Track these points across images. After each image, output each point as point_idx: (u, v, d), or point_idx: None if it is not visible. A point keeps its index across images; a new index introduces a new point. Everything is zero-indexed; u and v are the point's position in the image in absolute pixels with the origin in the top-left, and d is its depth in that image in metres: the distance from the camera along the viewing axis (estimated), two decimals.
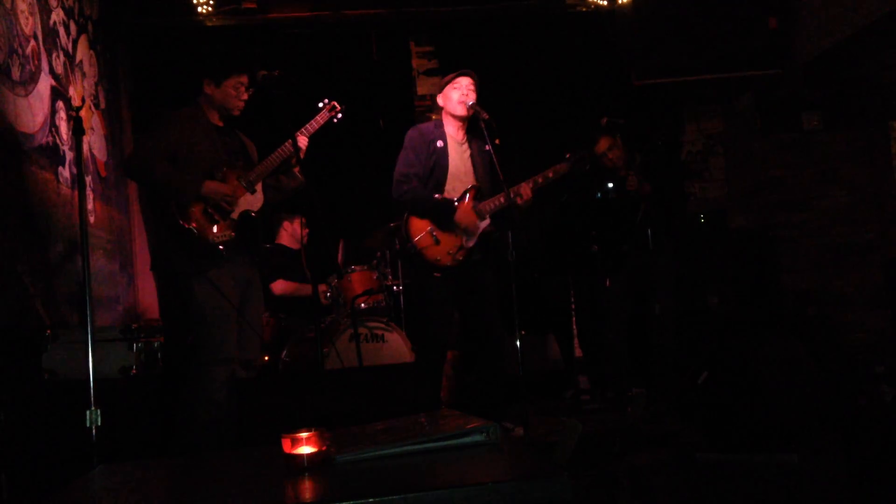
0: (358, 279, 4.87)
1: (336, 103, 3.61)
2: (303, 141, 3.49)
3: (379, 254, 5.18)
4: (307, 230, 5.49)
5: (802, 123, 6.63)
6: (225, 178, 3.36)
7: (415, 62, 6.52)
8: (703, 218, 6.28)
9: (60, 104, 4.61)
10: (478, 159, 4.01)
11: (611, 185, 4.87)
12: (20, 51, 4.11)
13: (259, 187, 3.45)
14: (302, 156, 3.47)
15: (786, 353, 3.49)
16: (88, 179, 4.95)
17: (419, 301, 4.14)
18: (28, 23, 4.24)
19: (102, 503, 1.68)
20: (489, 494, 1.36)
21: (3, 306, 3.70)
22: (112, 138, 5.51)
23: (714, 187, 6.90)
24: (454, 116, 3.97)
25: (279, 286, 5.22)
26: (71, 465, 3.04)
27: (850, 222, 6.59)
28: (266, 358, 4.84)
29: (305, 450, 1.64)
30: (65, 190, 4.56)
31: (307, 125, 3.55)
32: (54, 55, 4.59)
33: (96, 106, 5.33)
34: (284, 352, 4.78)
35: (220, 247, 3.28)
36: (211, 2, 5.86)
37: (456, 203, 3.90)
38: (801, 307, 6.34)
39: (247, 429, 3.36)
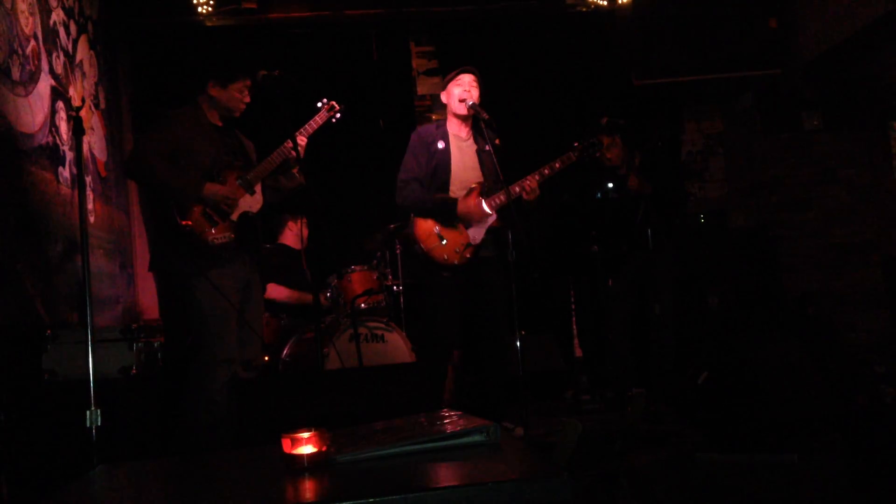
0: (358, 279, 4.86)
1: (335, 103, 3.62)
2: (302, 141, 3.50)
3: (379, 254, 5.18)
4: (307, 231, 5.49)
5: (802, 123, 6.63)
6: (224, 179, 3.36)
7: (415, 62, 6.52)
8: (703, 218, 6.28)
9: (60, 104, 4.61)
10: (485, 156, 4.01)
11: (611, 185, 4.87)
12: (20, 51, 4.11)
13: (258, 188, 3.45)
14: (301, 156, 3.47)
15: (786, 353, 3.49)
16: (88, 179, 4.95)
17: (427, 301, 4.15)
18: (28, 23, 4.24)
19: (102, 503, 1.68)
20: (489, 494, 1.36)
21: (3, 306, 3.70)
22: (112, 138, 5.51)
23: (714, 187, 6.90)
24: (456, 114, 3.98)
25: (271, 290, 5.19)
26: (71, 465, 3.04)
27: (850, 222, 6.59)
28: (266, 358, 4.83)
29: (305, 450, 1.64)
30: (65, 190, 4.56)
31: (306, 125, 3.56)
32: (54, 55, 4.59)
33: (96, 106, 5.33)
34: (284, 352, 4.78)
35: (220, 248, 3.27)
36: (211, 2, 5.86)
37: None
38: (801, 307, 6.34)
39: (247, 429, 3.36)
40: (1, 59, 3.90)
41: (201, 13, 5.89)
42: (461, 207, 3.88)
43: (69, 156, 4.60)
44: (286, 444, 1.65)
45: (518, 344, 3.87)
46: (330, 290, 5.04)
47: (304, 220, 5.44)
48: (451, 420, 1.89)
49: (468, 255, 3.89)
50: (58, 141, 4.53)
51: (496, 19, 6.38)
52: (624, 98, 6.27)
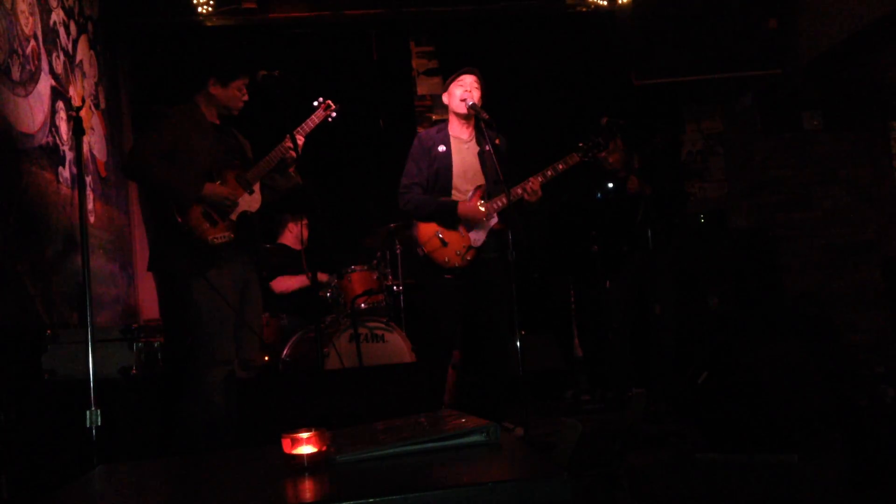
0: (358, 279, 4.86)
1: (331, 102, 3.60)
2: (299, 140, 3.49)
3: (379, 254, 5.18)
4: (307, 231, 5.49)
5: (803, 123, 6.63)
6: (223, 178, 3.34)
7: (415, 62, 6.52)
8: (703, 218, 6.28)
9: (60, 104, 4.61)
10: (487, 158, 4.01)
11: (611, 185, 4.87)
12: (20, 51, 4.11)
13: (257, 187, 3.44)
14: (299, 155, 3.47)
15: (786, 353, 3.49)
16: (88, 179, 4.95)
17: (428, 303, 4.16)
18: (28, 23, 4.24)
19: (102, 503, 1.68)
20: (489, 494, 1.36)
21: (3, 306, 3.69)
22: (112, 138, 5.51)
23: (714, 187, 6.90)
24: (457, 115, 3.99)
25: (280, 284, 5.22)
26: (71, 465, 3.04)
27: (850, 222, 6.59)
28: (266, 358, 4.83)
29: (305, 450, 1.64)
30: (65, 190, 4.56)
31: (303, 124, 3.55)
32: (54, 55, 4.59)
33: (96, 106, 5.33)
34: (284, 352, 4.78)
35: (220, 248, 3.26)
36: (211, 2, 5.86)
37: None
38: (801, 307, 6.34)
39: (247, 429, 3.36)
40: (1, 59, 3.90)
41: (201, 13, 5.89)
42: (462, 210, 3.89)
43: (69, 156, 4.60)
44: (286, 444, 1.65)
45: (518, 344, 3.87)
46: (330, 289, 5.04)
47: (305, 222, 5.44)
48: (451, 420, 1.89)
49: (469, 258, 3.90)
50: (58, 141, 4.53)
51: (496, 19, 6.38)
52: (624, 98, 6.27)
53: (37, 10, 4.37)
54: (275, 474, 1.66)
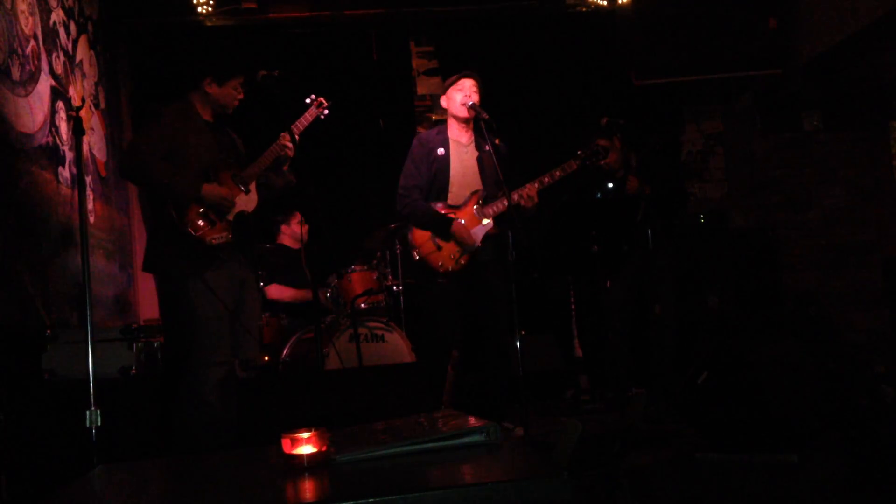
0: (358, 279, 4.87)
1: (323, 99, 3.56)
2: (294, 138, 3.46)
3: (379, 254, 5.18)
4: (306, 227, 5.50)
5: (802, 123, 6.63)
6: (219, 178, 3.31)
7: (415, 62, 6.52)
8: (703, 218, 6.28)
9: (60, 104, 4.61)
10: (486, 161, 4.01)
11: (611, 185, 4.87)
12: (20, 51, 4.11)
13: (252, 187, 3.42)
14: (292, 154, 3.45)
15: (786, 353, 3.49)
16: (88, 179, 4.95)
17: (425, 306, 4.16)
18: (28, 23, 4.24)
19: (102, 503, 1.68)
20: (489, 494, 1.36)
21: (3, 306, 3.69)
22: (112, 138, 5.51)
23: (714, 187, 6.90)
24: (457, 118, 3.98)
25: (273, 291, 5.21)
26: (71, 465, 3.04)
27: (850, 222, 6.59)
28: (266, 358, 4.84)
29: (305, 450, 1.64)
30: (65, 190, 4.56)
31: (297, 122, 3.51)
32: (54, 55, 4.59)
33: (96, 106, 5.33)
34: (284, 352, 4.78)
35: (218, 248, 3.25)
36: (211, 2, 5.87)
37: (459, 209, 3.91)
38: (801, 307, 6.34)
39: (247, 429, 3.36)
40: (1, 59, 3.91)
41: (201, 13, 5.89)
42: (454, 230, 3.88)
43: (69, 156, 4.60)
44: (286, 444, 1.65)
45: (518, 344, 3.87)
46: (330, 289, 5.04)
47: (297, 219, 5.45)
48: (451, 420, 1.89)
49: (464, 262, 3.89)
50: (58, 141, 4.53)
51: (496, 19, 6.38)
52: (624, 98, 6.27)
53: (37, 10, 4.37)
54: (275, 474, 1.66)
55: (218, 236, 3.24)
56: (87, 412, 2.81)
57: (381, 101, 6.34)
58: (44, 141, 4.35)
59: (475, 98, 3.93)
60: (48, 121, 4.42)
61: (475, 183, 3.99)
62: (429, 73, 6.48)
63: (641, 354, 4.91)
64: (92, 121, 5.17)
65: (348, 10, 6.18)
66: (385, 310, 4.90)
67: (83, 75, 5.11)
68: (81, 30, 5.14)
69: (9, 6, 4.01)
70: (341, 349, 4.45)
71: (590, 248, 4.29)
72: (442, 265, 3.88)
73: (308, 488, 1.54)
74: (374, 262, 5.09)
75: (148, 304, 5.66)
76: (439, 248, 3.90)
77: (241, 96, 3.43)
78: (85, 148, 4.91)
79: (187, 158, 3.26)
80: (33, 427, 3.33)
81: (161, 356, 3.75)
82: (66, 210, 4.51)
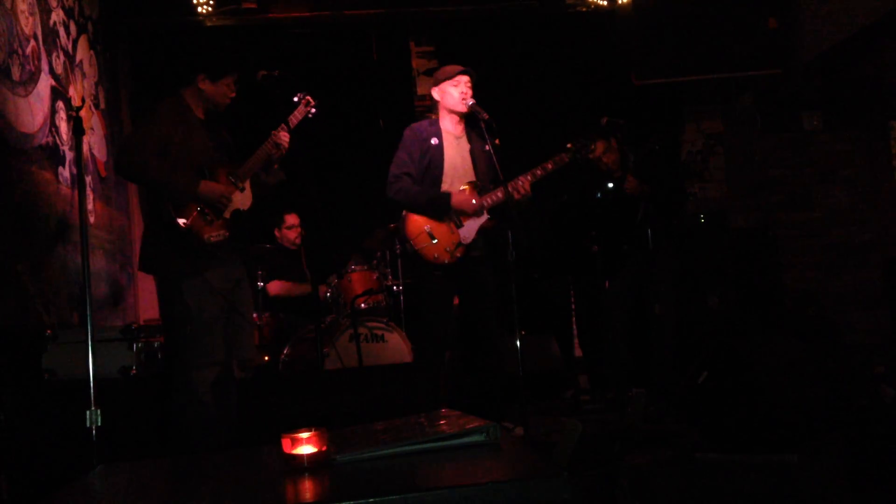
0: (358, 279, 4.87)
1: (310, 98, 3.54)
2: (284, 137, 3.44)
3: (379, 254, 5.18)
4: (300, 230, 5.51)
5: (803, 123, 6.63)
6: (215, 175, 3.29)
7: (415, 62, 6.52)
8: (703, 218, 6.28)
9: (60, 104, 4.62)
10: (478, 153, 4.00)
11: (611, 185, 4.87)
12: (20, 51, 4.12)
13: (247, 185, 3.40)
14: (285, 152, 3.43)
15: (786, 353, 3.49)
16: (88, 179, 4.95)
17: (419, 299, 4.15)
18: (28, 23, 4.25)
19: (102, 503, 1.68)
20: (489, 494, 1.36)
21: (3, 306, 3.70)
22: (112, 138, 5.51)
23: (714, 187, 6.90)
24: (454, 112, 3.96)
25: (274, 286, 5.23)
26: (71, 465, 3.04)
27: (850, 222, 6.59)
28: (266, 358, 4.84)
29: (305, 450, 1.64)
30: (65, 190, 4.56)
31: (287, 120, 3.49)
32: (54, 55, 4.59)
33: (96, 106, 5.33)
34: (284, 352, 4.78)
35: (216, 247, 3.23)
36: (211, 2, 5.87)
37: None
38: (801, 307, 6.34)
39: (247, 429, 3.36)
40: (1, 59, 3.91)
41: (201, 13, 5.90)
42: (455, 201, 3.85)
43: (69, 156, 4.60)
44: (286, 444, 1.65)
45: (518, 344, 3.86)
46: (330, 289, 5.05)
47: (286, 224, 5.48)
48: (451, 420, 1.89)
49: (458, 255, 3.87)
50: (58, 141, 4.53)
51: (496, 19, 6.38)
52: (624, 98, 6.27)
53: (37, 10, 4.37)
54: (275, 474, 1.66)
55: (216, 234, 3.22)
56: (87, 412, 2.81)
57: (381, 101, 6.34)
58: (44, 141, 4.35)
59: (469, 93, 3.93)
60: (48, 121, 4.42)
61: (468, 175, 3.97)
62: (429, 73, 6.48)
63: (641, 354, 4.90)
64: (92, 121, 5.17)
65: (348, 10, 6.18)
66: (385, 310, 4.90)
67: (83, 75, 5.11)
68: (81, 30, 5.14)
69: (9, 6, 4.01)
70: (341, 349, 4.46)
71: (590, 248, 4.29)
72: (437, 257, 3.84)
73: (308, 488, 1.54)
74: (374, 262, 5.09)
75: (148, 304, 5.66)
76: (434, 241, 3.85)
77: (233, 94, 3.40)
78: (85, 148, 4.91)
79: (182, 155, 3.22)
80: (33, 427, 3.33)
81: (161, 356, 3.75)
82: (66, 210, 4.51)
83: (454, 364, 4.76)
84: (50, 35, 4.55)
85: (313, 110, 3.52)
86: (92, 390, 2.82)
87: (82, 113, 3.27)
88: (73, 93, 4.86)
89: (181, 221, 3.15)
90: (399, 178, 3.88)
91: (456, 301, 4.04)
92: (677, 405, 4.12)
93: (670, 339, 4.79)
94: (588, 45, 6.45)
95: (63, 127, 4.61)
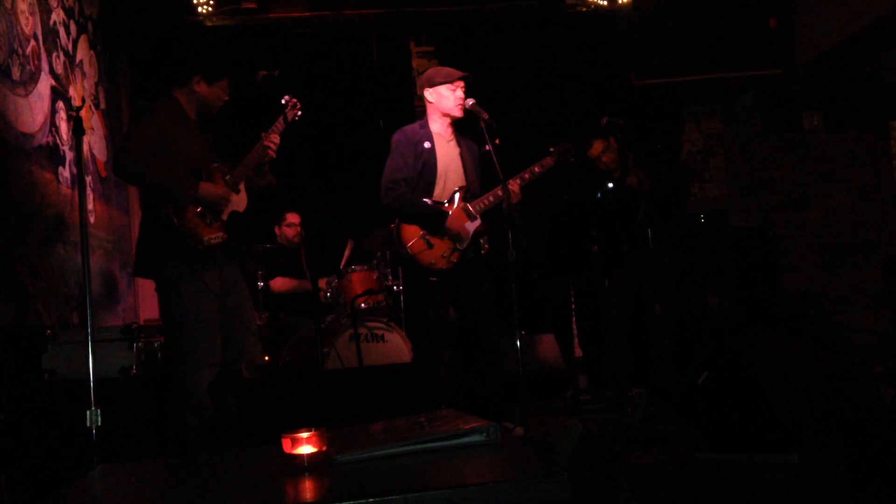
0: (358, 279, 4.87)
1: (296, 100, 3.52)
2: (276, 139, 3.43)
3: (379, 254, 5.18)
4: (299, 229, 5.52)
5: (802, 123, 6.63)
6: (211, 177, 3.28)
7: (415, 62, 6.52)
8: (703, 218, 6.28)
9: (60, 104, 4.62)
10: (467, 156, 4.00)
11: (610, 185, 4.87)
12: (20, 51, 4.12)
13: (242, 186, 3.39)
14: (274, 155, 3.42)
15: (786, 353, 3.49)
16: (88, 179, 4.95)
17: (415, 305, 4.15)
18: (28, 23, 4.25)
19: (102, 503, 1.68)
20: (489, 494, 1.36)
21: (3, 306, 3.70)
22: (112, 138, 5.51)
23: (714, 187, 6.90)
24: (448, 115, 3.95)
25: (278, 283, 5.24)
26: (71, 465, 3.04)
27: (850, 222, 6.59)
28: (266, 358, 4.84)
29: (305, 450, 1.64)
30: (65, 190, 4.56)
31: (276, 123, 3.47)
32: (54, 55, 4.59)
33: (96, 106, 5.33)
34: (284, 352, 4.78)
35: (215, 249, 3.22)
36: (211, 2, 5.87)
37: (446, 205, 3.89)
38: (801, 307, 6.34)
39: (247, 429, 3.36)
40: (1, 59, 3.91)
41: (201, 13, 5.90)
42: (450, 224, 3.84)
43: (69, 156, 4.60)
44: (286, 444, 1.65)
45: (518, 344, 3.86)
46: (330, 289, 5.05)
47: (286, 222, 5.48)
48: (451, 420, 1.89)
49: (454, 260, 3.87)
50: (58, 141, 4.53)
51: (496, 19, 6.38)
52: (624, 98, 6.27)
53: (37, 10, 4.37)
54: (275, 474, 1.66)
55: (215, 236, 3.21)
56: (87, 412, 2.81)
57: (380, 101, 6.34)
58: (44, 141, 4.35)
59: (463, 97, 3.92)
60: (48, 121, 4.42)
61: (459, 179, 3.96)
62: None
63: (641, 354, 4.91)
64: (92, 121, 5.17)
65: (348, 10, 6.18)
66: (385, 310, 4.90)
67: (83, 75, 5.11)
68: (81, 30, 5.14)
69: (9, 6, 4.01)
70: (341, 349, 4.46)
71: (590, 248, 4.29)
72: (433, 263, 3.84)
73: (308, 488, 1.54)
74: (374, 262, 5.09)
75: (148, 304, 5.66)
76: (430, 247, 3.84)
77: (227, 98, 3.39)
78: (85, 148, 4.91)
79: (178, 156, 3.20)
80: (33, 427, 3.33)
81: (161, 356, 3.75)
82: (66, 210, 4.51)
83: (454, 364, 4.76)
84: (50, 35, 4.55)
85: (299, 113, 3.50)
86: (92, 390, 2.82)
87: (82, 113, 3.27)
88: (73, 93, 4.86)
89: (181, 223, 3.14)
90: (396, 184, 3.85)
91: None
92: (677, 405, 4.12)
93: (670, 339, 4.79)
94: (588, 45, 6.45)
95: (63, 127, 4.61)
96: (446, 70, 3.97)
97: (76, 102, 4.77)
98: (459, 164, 3.98)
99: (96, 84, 5.38)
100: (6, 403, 3.26)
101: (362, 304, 4.78)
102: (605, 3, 6.20)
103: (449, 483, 1.42)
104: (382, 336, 4.70)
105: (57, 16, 4.68)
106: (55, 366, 3.52)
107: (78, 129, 3.04)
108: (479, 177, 4.00)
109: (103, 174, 5.29)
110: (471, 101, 3.89)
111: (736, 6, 6.01)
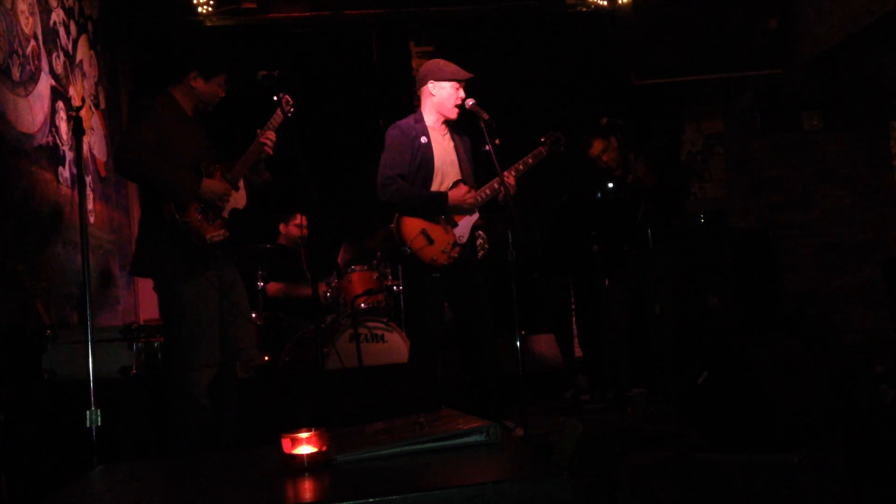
0: (358, 279, 4.87)
1: (288, 97, 3.51)
2: (270, 136, 3.43)
3: (379, 254, 5.18)
4: (306, 230, 5.50)
5: (802, 123, 6.63)
6: (211, 174, 3.27)
7: (415, 62, 6.52)
8: (703, 218, 6.28)
9: (60, 104, 4.62)
10: (461, 151, 4.00)
11: (611, 184, 4.87)
12: (20, 51, 4.12)
13: (241, 183, 3.38)
14: (271, 152, 3.42)
15: (786, 353, 3.49)
16: (88, 179, 4.95)
17: (414, 302, 4.14)
18: (28, 23, 4.25)
19: (102, 503, 1.68)
20: (489, 494, 1.36)
21: (3, 306, 3.70)
22: (112, 138, 5.51)
23: (714, 187, 6.90)
24: (444, 113, 3.94)
25: (273, 287, 5.23)
26: (71, 465, 3.04)
27: (850, 222, 6.59)
28: (266, 358, 4.84)
29: (305, 450, 1.64)
30: (65, 190, 4.56)
31: (271, 120, 3.47)
32: (54, 55, 4.59)
33: (96, 106, 5.33)
34: (284, 352, 4.78)
35: (217, 247, 3.21)
36: (211, 2, 5.87)
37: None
38: (801, 307, 6.34)
39: (247, 429, 3.36)
40: (1, 59, 3.91)
41: (201, 13, 5.90)
42: (452, 198, 3.83)
43: (69, 156, 4.60)
44: (286, 444, 1.65)
45: (518, 344, 3.86)
46: (330, 289, 5.04)
47: (296, 221, 5.46)
48: (451, 420, 1.89)
49: (455, 255, 3.87)
50: (58, 141, 4.53)
51: (496, 19, 6.38)
52: (624, 98, 6.27)
53: (37, 10, 4.37)
54: (275, 474, 1.66)
55: (216, 234, 3.20)
56: (87, 412, 2.81)
57: (381, 101, 6.34)
58: (44, 141, 4.35)
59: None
60: (48, 121, 4.42)
61: (455, 173, 3.96)
62: None
63: (641, 354, 4.90)
64: (92, 121, 5.17)
65: (348, 10, 6.18)
66: (385, 310, 4.89)
67: (83, 75, 5.11)
68: (81, 30, 5.14)
69: (9, 6, 4.01)
70: (341, 349, 4.45)
71: (590, 247, 4.29)
72: (435, 259, 3.83)
73: (308, 488, 1.54)
74: (374, 262, 5.09)
75: (148, 304, 5.66)
76: (431, 243, 3.83)
77: (223, 94, 3.38)
78: (85, 148, 4.91)
79: (179, 153, 3.19)
80: (33, 427, 3.33)
81: (161, 356, 3.75)
82: (66, 210, 4.51)
83: (454, 364, 4.76)
84: (50, 35, 4.55)
85: (292, 110, 3.49)
86: (92, 390, 2.82)
87: (82, 113, 3.27)
88: (73, 93, 4.86)
89: (184, 221, 3.12)
90: (393, 179, 3.83)
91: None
92: (677, 405, 4.12)
93: (670, 339, 4.79)
94: (588, 45, 6.45)
95: (63, 127, 4.61)
96: (452, 67, 3.93)
97: (76, 102, 4.77)
98: (455, 158, 3.97)
99: (96, 84, 5.38)
100: (6, 403, 3.26)
101: (362, 304, 4.78)
102: (605, 3, 6.19)
103: (449, 483, 1.42)
104: (382, 336, 4.70)
105: (57, 16, 4.68)
106: (55, 366, 3.53)
107: (78, 129, 3.03)
108: (473, 171, 4.00)
109: (103, 174, 5.28)
110: (471, 101, 3.88)
111: (736, 6, 6.01)
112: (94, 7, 5.45)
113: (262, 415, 3.51)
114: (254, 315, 4.28)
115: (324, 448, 1.66)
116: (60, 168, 4.53)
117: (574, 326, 5.54)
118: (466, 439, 1.70)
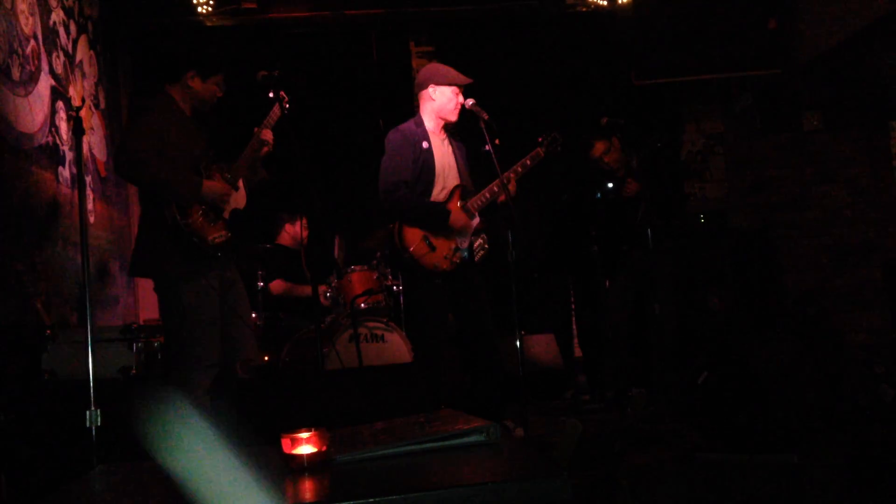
0: (358, 279, 4.86)
1: (283, 93, 3.46)
2: (268, 134, 3.42)
3: (379, 254, 5.17)
4: (307, 231, 5.49)
5: (802, 123, 6.64)
6: (210, 174, 3.25)
7: (415, 62, 6.52)
8: (703, 218, 6.28)
9: (60, 104, 4.62)
10: (459, 155, 4.00)
11: (610, 185, 4.87)
12: (20, 51, 4.12)
13: (241, 183, 3.37)
14: (270, 150, 3.41)
15: (786, 353, 3.49)
16: (88, 179, 4.95)
17: (417, 307, 4.14)
18: (28, 23, 4.25)
19: (102, 503, 1.68)
20: (489, 494, 1.36)
21: (3, 306, 3.70)
22: (112, 138, 5.51)
23: (714, 187, 6.90)
24: (444, 117, 3.93)
25: (277, 285, 5.23)
26: (71, 465, 3.04)
27: (850, 222, 6.59)
28: (266, 358, 4.83)
29: (305, 450, 1.64)
30: (65, 190, 4.56)
31: (267, 118, 3.45)
32: (54, 55, 4.59)
33: (96, 106, 5.33)
34: (284, 352, 4.78)
35: (218, 247, 3.21)
36: (211, 2, 5.87)
37: (447, 206, 3.89)
38: (801, 307, 6.34)
39: (247, 429, 3.36)
40: (1, 59, 3.91)
41: (201, 13, 5.90)
42: (453, 221, 3.83)
43: (69, 156, 4.60)
44: (286, 444, 1.65)
45: (518, 344, 3.86)
46: (330, 289, 5.04)
47: (302, 221, 5.44)
48: (451, 420, 1.89)
49: (457, 261, 3.86)
50: (58, 141, 4.53)
51: (496, 19, 6.38)
52: (624, 98, 6.28)
53: (37, 10, 4.37)
54: (275, 474, 1.66)
55: (218, 235, 3.19)
56: (87, 412, 2.81)
57: (381, 101, 6.34)
58: (44, 141, 4.35)
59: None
60: (48, 121, 4.42)
61: (454, 178, 3.96)
62: None
63: (641, 354, 4.91)
64: (92, 121, 5.17)
65: (348, 10, 6.18)
66: (385, 310, 4.89)
67: (83, 75, 5.11)
68: (81, 30, 5.14)
69: (9, 6, 4.01)
70: (341, 349, 4.45)
71: (590, 247, 4.29)
72: (437, 266, 3.83)
73: (308, 488, 1.54)
74: (374, 262, 5.09)
75: (148, 304, 5.66)
76: (433, 249, 3.83)
77: (221, 94, 3.37)
78: (85, 148, 4.91)
79: (179, 153, 3.17)
80: (33, 427, 3.33)
81: (161, 356, 3.75)
82: (66, 210, 4.51)
83: (454, 364, 4.76)
84: (50, 35, 4.55)
85: (287, 105, 3.47)
86: (92, 390, 2.82)
87: (82, 113, 3.26)
88: (73, 93, 4.86)
89: (186, 223, 3.11)
90: (397, 186, 3.82)
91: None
92: (677, 405, 4.13)
93: (670, 339, 4.79)
94: (588, 45, 6.46)
95: (63, 127, 4.61)
96: (452, 72, 3.93)
97: (76, 102, 4.77)
98: (454, 162, 3.98)
99: (96, 84, 5.38)
100: (6, 403, 3.26)
101: (362, 304, 4.78)
102: (605, 3, 6.20)
103: (449, 483, 1.42)
104: (382, 336, 4.69)
105: (57, 16, 4.68)
106: (55, 366, 3.52)
107: (78, 129, 3.03)
108: (471, 175, 4.00)
109: (103, 174, 5.28)
110: (471, 102, 3.88)
111: (736, 6, 6.02)
112: (94, 7, 5.45)
113: (262, 415, 3.50)
114: (254, 315, 4.28)
115: (324, 448, 1.66)
116: (60, 168, 4.53)
117: (574, 326, 5.54)
118: (466, 439, 1.70)
